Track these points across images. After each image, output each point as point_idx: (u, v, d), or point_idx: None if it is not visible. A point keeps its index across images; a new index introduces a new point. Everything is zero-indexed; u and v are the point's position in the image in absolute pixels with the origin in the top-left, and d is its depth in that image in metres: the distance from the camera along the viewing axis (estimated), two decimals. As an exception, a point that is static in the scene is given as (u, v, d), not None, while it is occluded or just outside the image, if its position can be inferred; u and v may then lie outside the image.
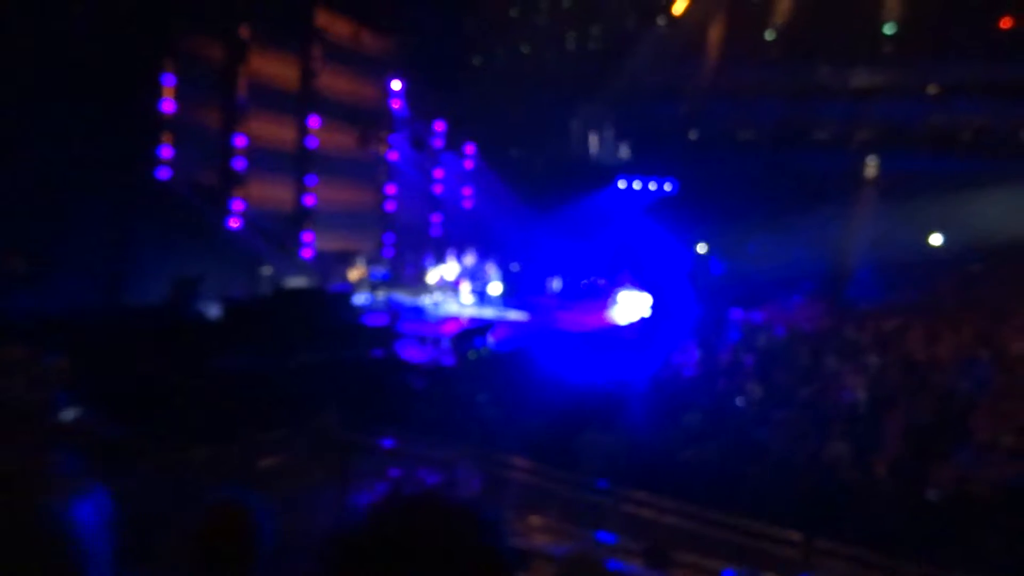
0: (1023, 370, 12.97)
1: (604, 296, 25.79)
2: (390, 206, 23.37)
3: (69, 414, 9.44)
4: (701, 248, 26.35)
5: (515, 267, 20.30)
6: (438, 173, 25.59)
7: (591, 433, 9.55)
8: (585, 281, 26.92)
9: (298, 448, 8.92)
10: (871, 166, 25.61)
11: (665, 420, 10.37)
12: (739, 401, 11.51)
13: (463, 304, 20.81)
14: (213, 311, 14.59)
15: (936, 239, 25.51)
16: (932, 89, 24.60)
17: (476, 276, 23.28)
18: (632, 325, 20.24)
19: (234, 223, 17.45)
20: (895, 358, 14.08)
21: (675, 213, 25.89)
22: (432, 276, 20.87)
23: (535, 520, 8.19)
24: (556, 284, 21.10)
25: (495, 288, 23.51)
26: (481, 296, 22.70)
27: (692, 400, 11.41)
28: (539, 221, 25.06)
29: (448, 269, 21.49)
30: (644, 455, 9.23)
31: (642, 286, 25.29)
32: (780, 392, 12.06)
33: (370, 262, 20.08)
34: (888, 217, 23.94)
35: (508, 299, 21.26)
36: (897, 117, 24.87)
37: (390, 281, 20.81)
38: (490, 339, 16.16)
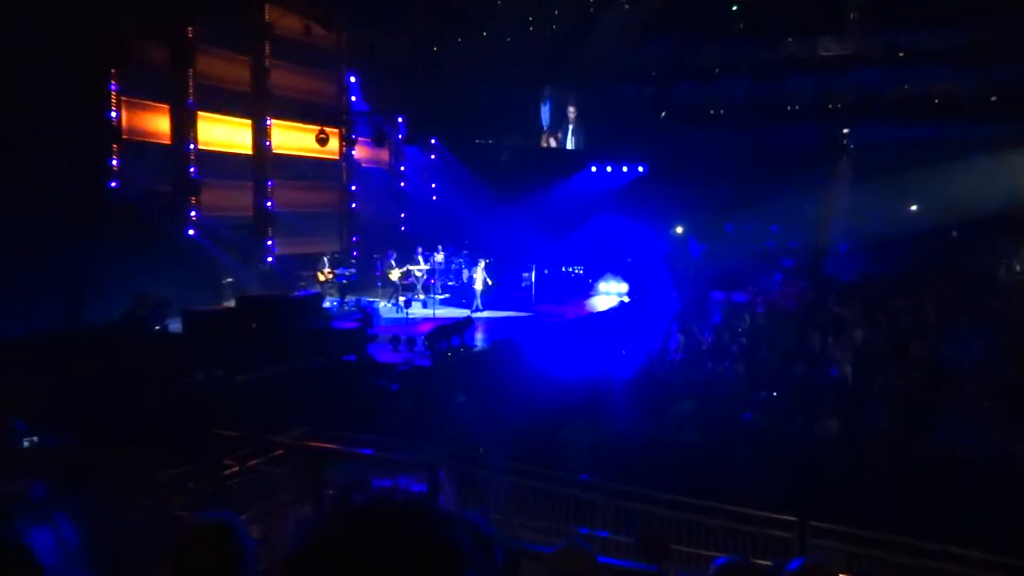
0: (1005, 333, 13.19)
1: (582, 285, 25.95)
2: (354, 205, 23.31)
3: (31, 437, 9.26)
4: (678, 230, 26.50)
5: (488, 261, 20.26)
6: (402, 168, 25.52)
7: (575, 427, 9.52)
8: (562, 271, 27.04)
9: (271, 462, 8.80)
10: (844, 137, 25.88)
11: (650, 408, 10.37)
12: (725, 384, 11.57)
13: (436, 302, 20.98)
14: (174, 325, 14.40)
15: (913, 208, 25.87)
16: (901, 56, 24.88)
17: (448, 272, 23.27)
18: (612, 312, 20.29)
19: (192, 232, 17.24)
20: (880, 331, 14.24)
21: (649, 196, 26.01)
22: (402, 275, 20.79)
23: (522, 521, 8.14)
24: (532, 276, 21.08)
25: (469, 284, 23.49)
26: (454, 292, 22.71)
27: (676, 385, 11.43)
28: (510, 212, 25.05)
29: (419, 267, 21.45)
30: (631, 445, 9.22)
31: (620, 272, 25.44)
32: (766, 372, 12.13)
33: (336, 264, 19.96)
34: (865, 189, 24.23)
35: (483, 294, 21.19)
36: (867, 86, 25.15)
37: (359, 282, 20.81)
38: (476, 337, 16.22)
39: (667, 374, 12.73)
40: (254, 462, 8.29)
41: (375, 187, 24.02)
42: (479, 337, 16.26)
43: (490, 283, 20.21)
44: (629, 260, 25.56)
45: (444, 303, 21.40)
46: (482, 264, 19.97)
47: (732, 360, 12.91)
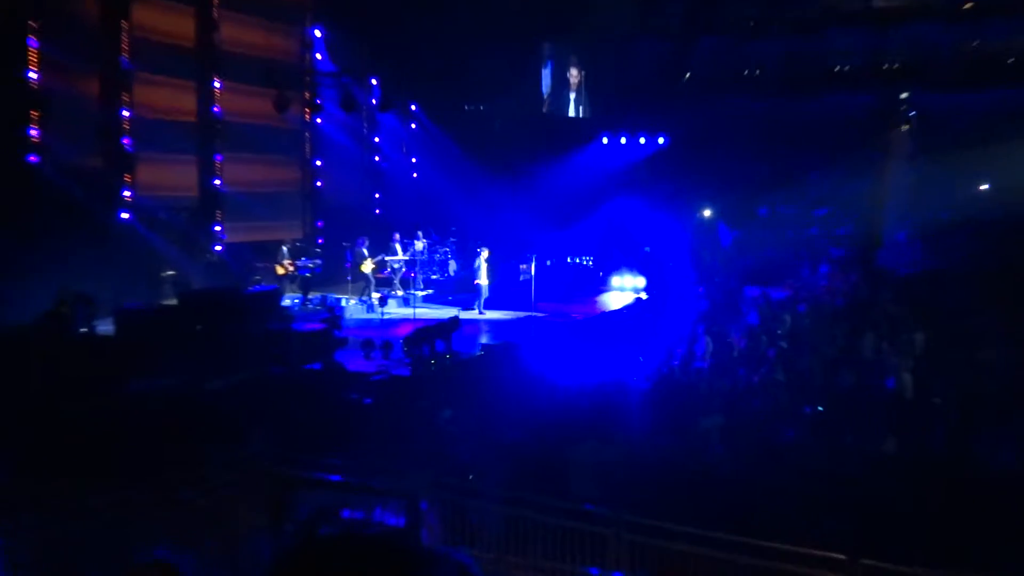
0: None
1: (591, 279, 25.96)
2: (319, 183, 23.33)
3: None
4: (705, 214, 26.54)
5: (485, 252, 20.26)
6: (377, 140, 25.52)
7: (583, 447, 9.54)
8: (568, 262, 27.05)
9: (223, 488, 8.81)
10: (902, 105, 25.86)
11: (672, 424, 10.39)
12: (761, 396, 11.60)
13: (417, 299, 20.98)
14: (105, 327, 14.36)
15: (983, 189, 25.90)
16: (968, 6, 24.85)
17: (431, 264, 23.29)
18: (627, 311, 20.33)
19: (125, 216, 17.21)
20: (943, 334, 14.28)
21: (670, 173, 26.04)
22: (376, 267, 20.78)
23: (520, 560, 8.15)
24: (531, 268, 21.12)
25: (454, 277, 23.49)
26: (439, 288, 22.72)
27: (702, 398, 11.46)
28: (505, 192, 25.07)
29: (396, 257, 21.46)
30: (649, 469, 9.23)
31: (637, 264, 25.47)
32: (810, 382, 12.17)
33: (299, 254, 19.96)
34: (926, 166, 24.23)
35: (473, 290, 21.27)
36: (928, 43, 25.13)
37: (325, 276, 20.84)
38: (480, 339, 16.23)
39: (692, 384, 12.75)
40: (202, 489, 8.30)
41: (344, 162, 24.02)
42: (468, 342, 16.24)
43: (482, 276, 20.22)
44: (647, 249, 25.60)
45: (427, 300, 21.43)
46: (485, 254, 19.98)
47: (769, 368, 12.94)
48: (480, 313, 19.83)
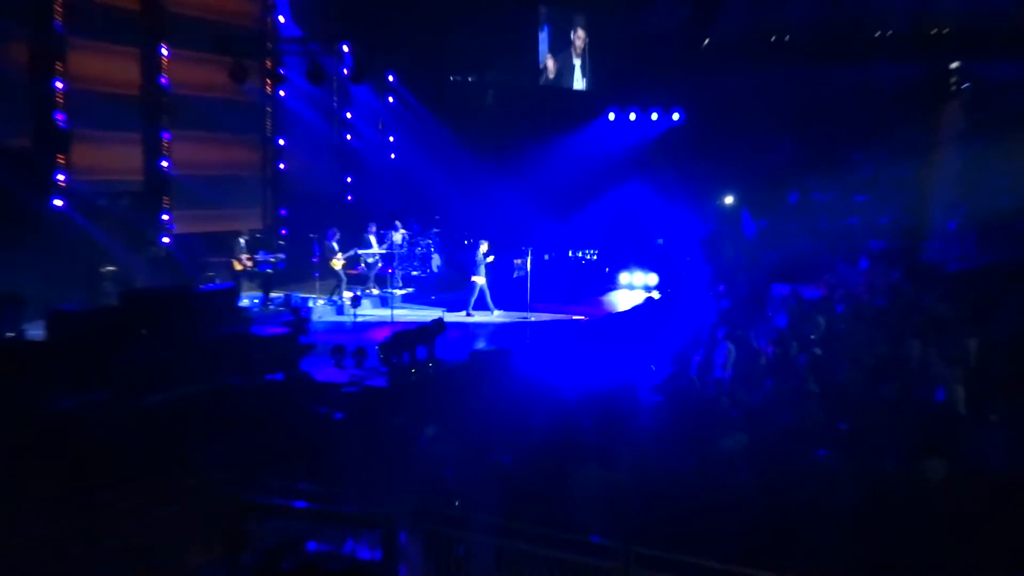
0: None
1: (597, 275, 25.89)
2: (283, 166, 23.28)
3: None
4: (727, 201, 26.52)
5: (484, 244, 20.17)
6: (349, 116, 25.46)
7: (586, 469, 9.49)
8: (569, 256, 27.01)
9: (172, 516, 8.76)
10: (953, 76, 25.85)
11: (688, 443, 10.35)
12: (791, 410, 11.56)
13: (396, 299, 20.93)
14: (35, 331, 14.29)
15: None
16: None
17: (411, 258, 23.22)
18: (636, 313, 20.28)
19: (59, 203, 17.13)
20: (1000, 339, 14.25)
21: (687, 154, 26.04)
22: (348, 262, 20.72)
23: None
24: (527, 263, 21.07)
25: (441, 273, 23.43)
26: (421, 286, 22.69)
27: (723, 412, 11.42)
28: (497, 176, 25.05)
29: (371, 251, 21.41)
30: (662, 494, 9.19)
31: (648, 259, 25.41)
32: (848, 394, 12.12)
33: (259, 247, 19.92)
34: (980, 146, 24.22)
35: (460, 287, 21.18)
36: (984, 4, 25.13)
37: (289, 272, 20.83)
38: (476, 342, 16.19)
39: (711, 397, 12.71)
40: (142, 521, 8.26)
41: (311, 141, 23.98)
42: (454, 348, 16.20)
43: (470, 272, 20.19)
44: (660, 242, 25.60)
45: (406, 300, 21.39)
46: (484, 247, 19.93)
47: (800, 378, 12.90)
48: (468, 315, 19.83)
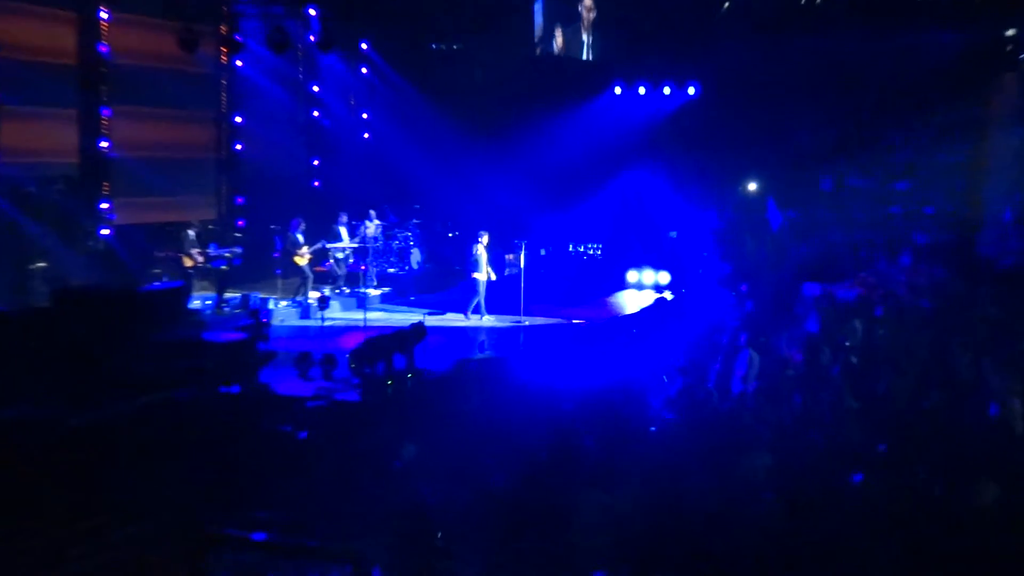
0: None
1: (601, 273, 25.84)
2: (240, 147, 23.28)
3: None
4: (749, 189, 26.53)
5: (485, 237, 20.13)
6: (316, 89, 25.39)
7: (590, 494, 9.49)
8: (570, 251, 26.94)
9: (115, 548, 8.73)
10: (1010, 44, 25.84)
11: (706, 464, 10.35)
12: (823, 428, 11.56)
13: (370, 300, 20.97)
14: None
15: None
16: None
17: (388, 254, 23.17)
18: (646, 316, 20.29)
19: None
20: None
21: (704, 135, 26.00)
22: (315, 257, 20.67)
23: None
24: (521, 258, 21.07)
25: (421, 271, 23.40)
26: (398, 285, 22.66)
27: (746, 430, 11.42)
28: (487, 159, 25.01)
29: (341, 244, 21.38)
30: (675, 524, 9.20)
31: (659, 255, 25.39)
32: (888, 410, 12.14)
33: (212, 240, 19.87)
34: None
35: (444, 286, 21.19)
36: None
37: (247, 269, 20.82)
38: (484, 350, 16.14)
39: (731, 413, 12.72)
40: (83, 550, 8.23)
41: (273, 119, 23.93)
42: (436, 356, 16.19)
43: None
44: (673, 235, 25.60)
45: (383, 301, 21.40)
46: (485, 240, 19.92)
47: (834, 391, 12.92)
48: (467, 317, 19.89)
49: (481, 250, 19.94)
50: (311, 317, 19.74)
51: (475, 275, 20.04)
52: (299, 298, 20.34)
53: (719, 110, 25.86)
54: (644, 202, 26.28)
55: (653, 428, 11.88)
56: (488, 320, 19.95)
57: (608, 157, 26.27)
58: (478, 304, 20.00)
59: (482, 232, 20.12)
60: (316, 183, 25.29)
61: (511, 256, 22.42)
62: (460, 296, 21.32)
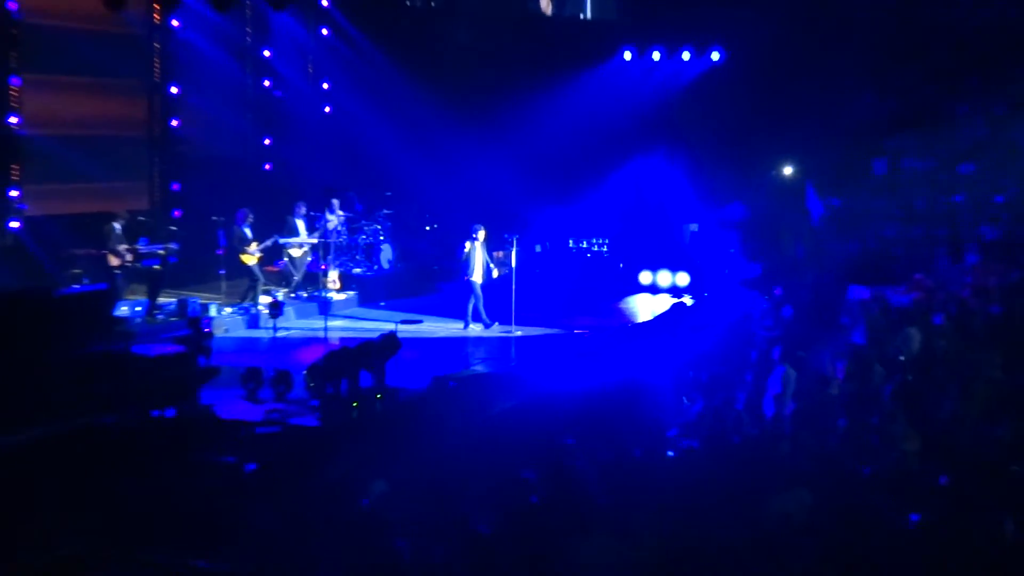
0: None
1: (608, 273, 25.75)
2: (176, 123, 23.13)
3: None
4: (784, 174, 26.51)
5: (482, 232, 20.07)
6: (267, 54, 25.30)
7: (594, 542, 9.48)
8: (570, 247, 26.81)
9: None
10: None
11: (733, 502, 10.35)
12: (871, 458, 11.54)
13: (332, 306, 20.96)
14: None
15: None
16: None
17: (354, 250, 23.06)
18: (662, 325, 20.29)
19: None
20: None
21: (730, 109, 25.96)
22: (266, 255, 20.59)
23: None
24: (512, 255, 21.05)
25: (393, 270, 23.33)
26: (367, 287, 22.59)
27: (780, 461, 11.41)
28: (473, 139, 24.95)
29: (298, 239, 21.39)
30: (697, 573, 9.18)
31: (677, 252, 25.32)
32: (950, 437, 12.12)
33: (143, 233, 19.77)
34: None
35: (421, 290, 21.12)
36: None
37: (184, 269, 20.74)
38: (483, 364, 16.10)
39: (765, 440, 12.73)
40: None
41: (216, 90, 23.85)
42: (411, 372, 16.16)
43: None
44: (693, 228, 25.58)
45: (347, 306, 21.35)
46: (481, 236, 19.87)
47: (886, 414, 12.92)
48: (465, 327, 20.04)
49: (478, 248, 19.86)
50: (261, 326, 19.67)
51: (470, 277, 19.93)
52: (247, 304, 20.26)
53: (749, 79, 25.84)
54: (658, 190, 26.26)
55: (670, 453, 11.87)
56: (475, 330, 19.91)
57: (615, 136, 26.25)
58: (476, 310, 19.93)
59: (477, 226, 20.02)
60: (267, 166, 25.20)
61: (500, 254, 22.38)
62: (440, 301, 21.32)
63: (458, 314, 20.34)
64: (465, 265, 20.03)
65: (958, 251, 22.02)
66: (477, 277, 19.90)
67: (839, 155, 25.49)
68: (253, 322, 19.89)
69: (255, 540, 10.14)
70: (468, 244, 19.98)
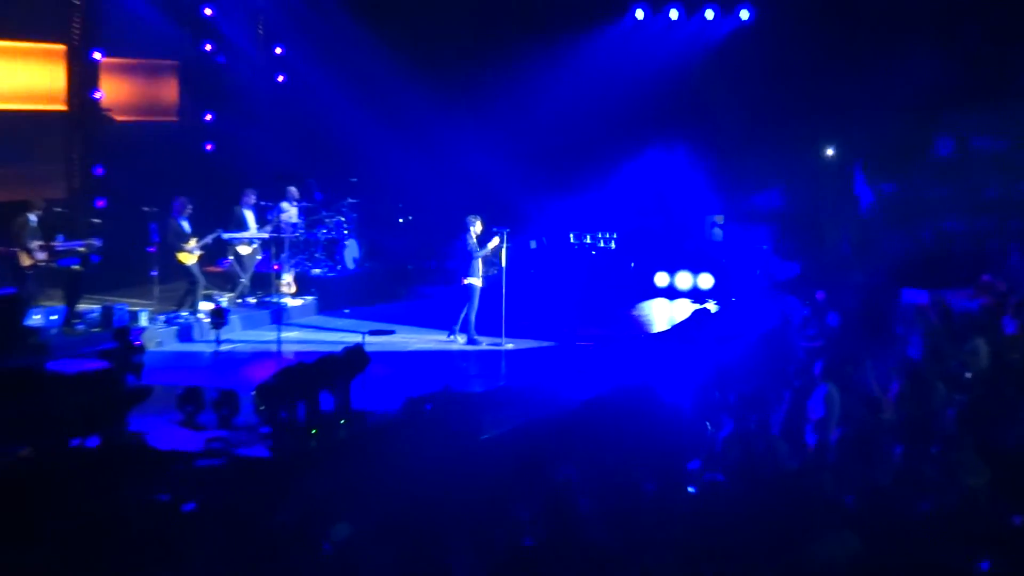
0: None
1: (617, 274, 25.71)
2: (99, 95, 23.12)
3: None
4: (827, 154, 26.52)
5: (478, 223, 20.08)
6: (208, 12, 25.20)
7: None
8: (571, 243, 26.76)
9: None
10: None
11: (766, 550, 10.35)
12: (932, 494, 11.52)
13: (287, 313, 20.98)
14: None
15: None
16: None
17: (313, 247, 23.03)
18: (680, 335, 20.28)
19: None
20: None
21: (762, 76, 25.95)
22: (208, 252, 20.54)
23: None
24: (502, 252, 21.04)
25: (359, 271, 23.34)
26: (327, 291, 22.55)
27: (824, 498, 11.40)
28: (454, 115, 24.96)
29: (246, 234, 21.40)
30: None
31: (699, 250, 25.30)
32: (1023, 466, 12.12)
33: (60, 228, 19.72)
34: None
35: (393, 295, 21.13)
36: None
37: (109, 270, 20.81)
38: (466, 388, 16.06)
39: (803, 473, 12.73)
40: None
41: (147, 55, 23.90)
42: (381, 391, 16.16)
43: (409, 270, 20.21)
44: (720, 220, 25.60)
45: (303, 315, 21.35)
46: (478, 228, 19.87)
47: (949, 441, 12.92)
48: (451, 336, 20.17)
49: (473, 242, 19.85)
50: (202, 339, 19.67)
51: (468, 280, 19.87)
52: (185, 311, 20.25)
53: (785, 42, 25.82)
54: (676, 174, 26.27)
55: (691, 489, 11.85)
56: (460, 341, 19.90)
57: (625, 111, 26.23)
58: (467, 320, 19.90)
59: (472, 217, 19.99)
60: (209, 146, 25.16)
61: (489, 247, 22.38)
62: (416, 307, 21.33)
63: (438, 323, 20.34)
64: (465, 264, 19.95)
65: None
66: (478, 280, 19.87)
67: (893, 132, 25.48)
68: (192, 333, 19.89)
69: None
70: (472, 238, 19.89)
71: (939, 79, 24.68)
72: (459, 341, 19.97)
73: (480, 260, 19.89)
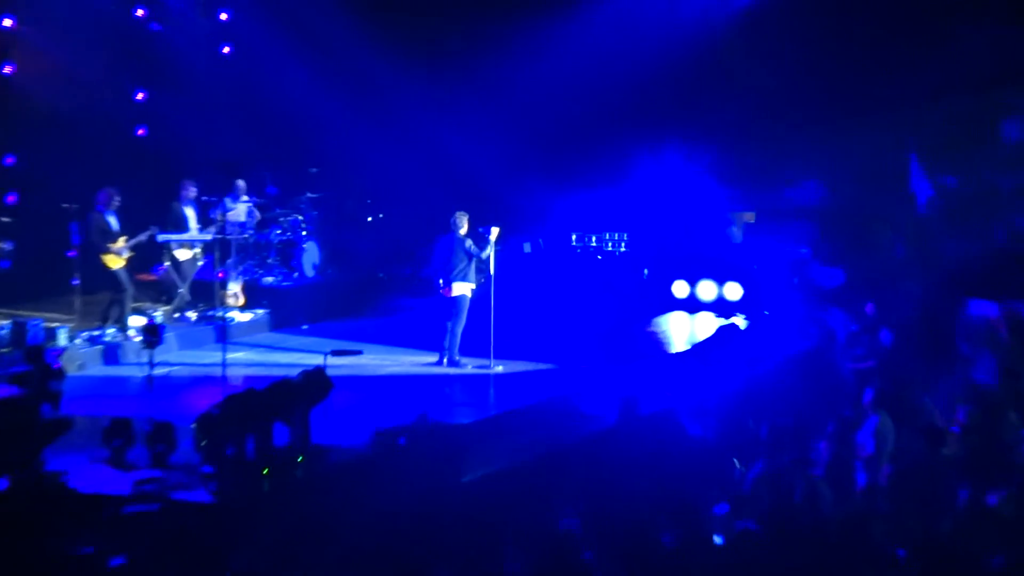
0: None
1: (628, 282, 25.73)
2: (9, 69, 23.13)
3: None
4: (878, 142, 26.56)
5: (465, 219, 20.09)
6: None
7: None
8: (573, 246, 26.78)
9: None
10: None
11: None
12: (1006, 544, 11.51)
13: (233, 330, 21.04)
14: None
15: None
16: None
17: (265, 251, 23.05)
18: (704, 355, 20.30)
19: None
20: None
21: (794, 53, 26.00)
22: (132, 252, 20.52)
23: None
24: (491, 260, 21.06)
25: (319, 279, 23.37)
26: (282, 303, 22.49)
27: (877, 549, 11.40)
28: (431, 95, 24.99)
29: (186, 236, 21.31)
30: None
31: (724, 257, 25.34)
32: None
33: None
34: None
35: (360, 309, 21.14)
36: None
37: (21, 277, 20.98)
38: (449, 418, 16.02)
39: (850, 520, 12.72)
40: None
41: (70, 23, 23.86)
42: (350, 419, 16.15)
43: (383, 282, 20.23)
44: (749, 220, 25.63)
45: (253, 331, 21.34)
46: (464, 226, 19.90)
47: (1021, 482, 12.92)
48: (440, 363, 20.12)
49: (465, 244, 19.85)
50: (131, 360, 19.62)
51: (458, 286, 19.86)
52: (111, 327, 20.23)
53: (826, 10, 25.87)
54: (696, 166, 26.33)
55: (717, 539, 11.84)
56: (455, 365, 19.93)
57: (634, 91, 26.27)
58: (453, 335, 19.90)
59: (460, 214, 19.98)
60: (141, 131, 25.17)
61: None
62: (389, 323, 21.28)
63: (414, 342, 20.35)
64: (448, 270, 19.93)
65: None
66: (465, 285, 19.85)
67: (955, 116, 25.53)
68: (120, 354, 19.86)
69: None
70: (468, 240, 19.85)
71: (1007, 53, 24.76)
72: (456, 365, 19.90)
73: (472, 264, 19.87)
